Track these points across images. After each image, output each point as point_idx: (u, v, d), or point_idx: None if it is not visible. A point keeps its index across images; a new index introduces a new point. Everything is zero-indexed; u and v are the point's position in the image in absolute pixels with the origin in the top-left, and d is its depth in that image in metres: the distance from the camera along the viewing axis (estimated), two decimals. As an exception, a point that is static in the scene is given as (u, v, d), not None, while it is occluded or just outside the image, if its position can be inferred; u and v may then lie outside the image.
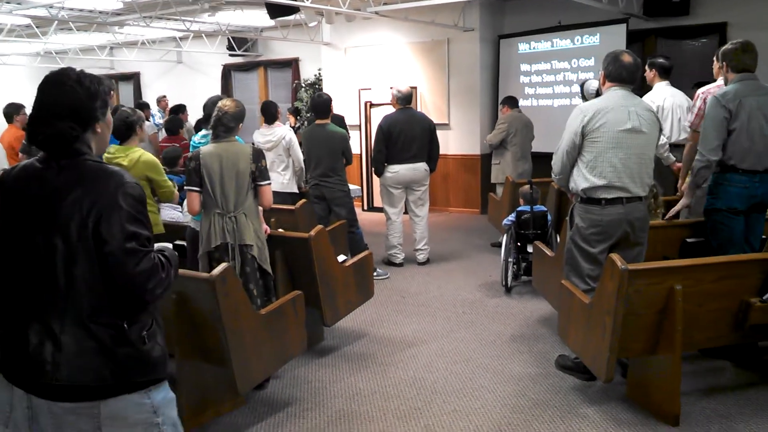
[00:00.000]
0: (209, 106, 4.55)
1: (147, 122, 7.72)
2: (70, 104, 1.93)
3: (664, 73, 5.60)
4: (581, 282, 3.94)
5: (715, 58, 4.71)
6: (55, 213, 1.87)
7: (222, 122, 3.99)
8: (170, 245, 2.28)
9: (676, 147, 5.49)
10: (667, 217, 4.50)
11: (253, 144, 4.60)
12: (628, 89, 3.92)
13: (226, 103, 4.02)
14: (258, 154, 4.01)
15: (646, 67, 5.71)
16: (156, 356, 1.99)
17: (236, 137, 4.10)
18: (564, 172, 4.01)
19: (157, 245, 2.16)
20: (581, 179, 3.90)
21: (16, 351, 1.91)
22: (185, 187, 4.06)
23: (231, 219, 3.96)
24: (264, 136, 6.49)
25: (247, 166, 3.95)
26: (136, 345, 1.93)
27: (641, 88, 8.27)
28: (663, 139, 5.39)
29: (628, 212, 3.84)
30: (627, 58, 3.89)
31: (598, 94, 4.70)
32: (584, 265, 3.95)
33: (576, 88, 9.24)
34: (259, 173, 3.99)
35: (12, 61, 14.59)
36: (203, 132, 4.59)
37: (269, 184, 4.07)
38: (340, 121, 8.64)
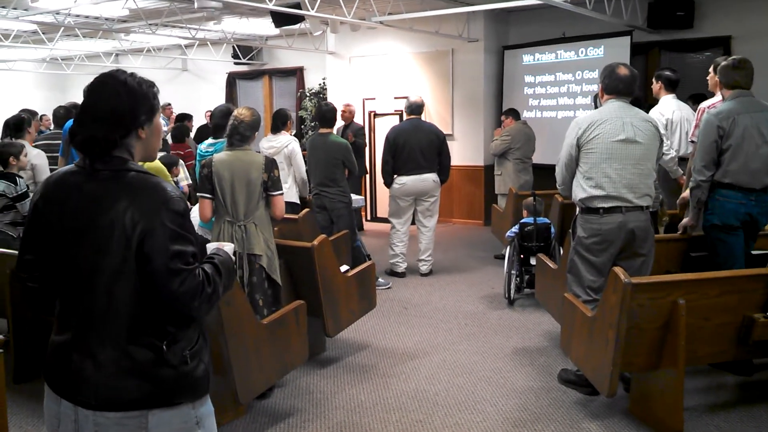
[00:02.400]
0: (217, 115, 4.56)
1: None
2: (111, 107, 1.87)
3: (670, 86, 5.60)
4: (582, 292, 3.94)
5: (711, 70, 4.72)
6: (96, 228, 1.81)
7: (238, 131, 4.02)
8: (231, 246, 2.22)
9: (684, 160, 5.48)
10: (678, 233, 4.48)
11: (259, 152, 4.62)
12: (626, 101, 3.95)
13: (242, 112, 4.06)
14: (271, 164, 4.02)
15: (653, 80, 5.72)
16: (198, 376, 1.94)
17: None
18: (566, 183, 4.07)
19: (214, 245, 2.12)
20: (579, 190, 3.94)
21: (61, 365, 1.88)
22: (197, 194, 4.08)
23: (240, 227, 3.96)
24: (269, 142, 6.49)
25: (258, 175, 3.96)
26: (178, 366, 1.88)
27: (646, 99, 8.32)
28: (672, 153, 5.39)
29: (627, 221, 3.84)
30: (623, 71, 3.93)
31: None
32: (586, 276, 3.95)
33: (580, 100, 9.27)
34: (272, 183, 4.01)
35: (18, 66, 14.66)
36: (210, 140, 4.59)
37: (282, 194, 4.08)
38: (359, 130, 8.70)
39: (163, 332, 1.87)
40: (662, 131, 5.36)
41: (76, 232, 1.84)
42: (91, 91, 1.91)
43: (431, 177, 6.82)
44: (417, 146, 6.71)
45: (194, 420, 1.95)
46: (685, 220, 4.38)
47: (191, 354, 1.92)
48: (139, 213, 1.80)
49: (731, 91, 4.20)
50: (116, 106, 1.87)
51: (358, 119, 10.53)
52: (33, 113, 8.04)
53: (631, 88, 3.96)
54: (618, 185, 3.82)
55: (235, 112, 4.08)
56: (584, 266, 3.96)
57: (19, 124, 5.88)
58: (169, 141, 8.62)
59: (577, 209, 4.05)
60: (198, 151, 4.66)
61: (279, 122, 6.37)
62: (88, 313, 1.84)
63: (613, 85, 3.95)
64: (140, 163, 1.96)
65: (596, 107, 5.72)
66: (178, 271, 1.82)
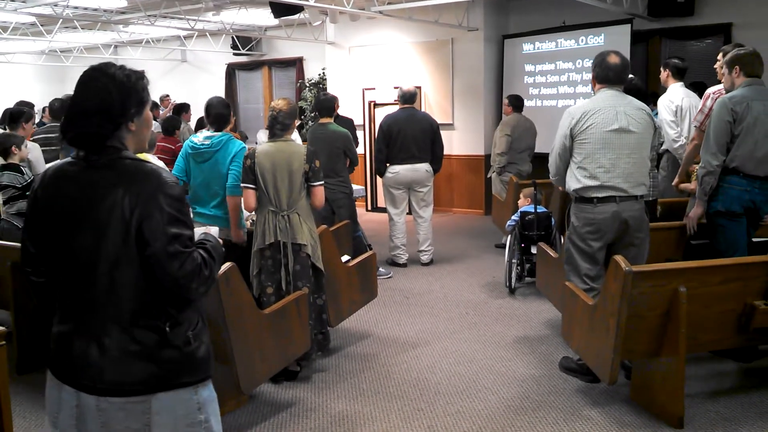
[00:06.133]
0: (217, 106, 4.50)
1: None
2: (100, 102, 1.88)
3: (678, 74, 5.62)
4: (579, 281, 3.97)
5: (720, 57, 4.69)
6: (95, 215, 1.84)
7: (278, 120, 4.13)
8: (216, 229, 2.25)
9: None
10: (688, 234, 4.43)
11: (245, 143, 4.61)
12: (618, 89, 3.94)
13: (278, 103, 4.17)
14: (312, 155, 4.10)
15: (661, 68, 5.75)
16: (201, 356, 1.98)
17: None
18: (559, 173, 4.08)
19: (201, 230, 2.15)
20: (573, 180, 3.94)
21: (63, 352, 1.91)
22: (241, 184, 4.14)
23: (284, 217, 4.06)
24: (266, 134, 6.46)
25: (300, 166, 4.05)
26: (181, 347, 1.92)
27: (648, 87, 8.28)
28: (682, 140, 5.39)
29: (621, 210, 3.85)
30: (614, 59, 3.91)
31: None
32: (582, 264, 3.97)
33: (580, 89, 9.24)
34: (313, 174, 4.09)
35: (17, 59, 14.62)
36: (207, 133, 4.50)
37: (322, 184, 4.17)
38: (349, 124, 8.63)
39: (166, 314, 1.90)
40: (671, 118, 5.41)
41: (76, 221, 1.87)
42: (80, 86, 1.92)
43: (424, 167, 6.81)
44: (411, 135, 6.70)
45: (196, 405, 1.97)
46: (694, 211, 4.34)
47: (194, 335, 1.96)
48: (136, 198, 1.83)
49: (747, 78, 4.18)
50: (106, 102, 1.89)
51: (357, 109, 10.54)
52: (31, 105, 8.02)
53: (622, 76, 3.94)
54: (612, 175, 3.83)
55: (272, 104, 4.20)
56: (579, 255, 3.98)
57: (17, 116, 5.86)
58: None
59: (572, 198, 4.05)
60: (189, 143, 4.50)
61: None
62: (91, 299, 1.87)
63: (603, 74, 3.94)
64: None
65: None
66: (176, 253, 1.85)
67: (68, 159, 1.97)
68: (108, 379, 1.86)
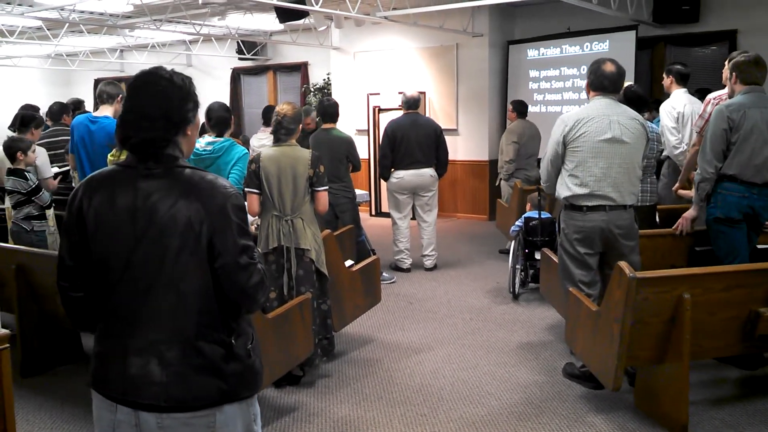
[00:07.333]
0: (218, 110, 4.51)
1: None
2: (162, 107, 1.83)
3: (681, 81, 5.60)
4: (575, 288, 3.95)
5: (727, 63, 4.70)
6: (159, 226, 1.78)
7: (282, 125, 4.13)
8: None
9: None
10: (676, 231, 4.46)
11: (248, 148, 4.62)
12: (612, 98, 3.94)
13: (283, 107, 4.18)
14: (317, 160, 4.11)
15: (664, 74, 5.74)
16: (258, 369, 1.96)
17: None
18: (550, 180, 4.10)
19: None
20: (563, 188, 3.95)
21: (115, 371, 1.82)
22: (245, 189, 4.13)
23: (287, 222, 4.05)
24: (260, 140, 6.49)
25: (305, 170, 4.06)
26: (244, 360, 1.89)
27: (651, 95, 8.28)
28: (683, 147, 5.39)
29: (610, 219, 3.86)
30: (609, 67, 3.91)
31: None
32: (575, 271, 3.98)
33: (584, 95, 9.22)
34: (317, 179, 4.10)
35: (23, 63, 14.69)
36: (208, 138, 4.50)
37: (326, 190, 4.17)
38: None
39: (228, 327, 1.88)
40: (672, 124, 5.41)
41: (136, 232, 1.80)
42: (137, 90, 1.86)
43: (428, 172, 6.81)
44: (415, 140, 6.70)
45: (252, 417, 1.97)
46: (688, 213, 4.36)
47: (252, 348, 1.94)
48: (204, 210, 1.79)
49: (745, 86, 4.18)
50: (167, 106, 1.84)
51: (362, 114, 10.56)
52: (36, 109, 8.05)
53: (617, 85, 3.95)
54: (603, 183, 3.84)
55: (277, 108, 4.20)
56: (571, 262, 3.99)
57: (27, 121, 5.89)
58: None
59: (562, 206, 4.07)
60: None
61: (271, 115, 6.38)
62: (150, 312, 1.80)
63: (598, 82, 3.94)
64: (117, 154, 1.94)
65: None
66: (247, 265, 1.84)
67: (114, 167, 1.90)
68: (173, 396, 1.79)
